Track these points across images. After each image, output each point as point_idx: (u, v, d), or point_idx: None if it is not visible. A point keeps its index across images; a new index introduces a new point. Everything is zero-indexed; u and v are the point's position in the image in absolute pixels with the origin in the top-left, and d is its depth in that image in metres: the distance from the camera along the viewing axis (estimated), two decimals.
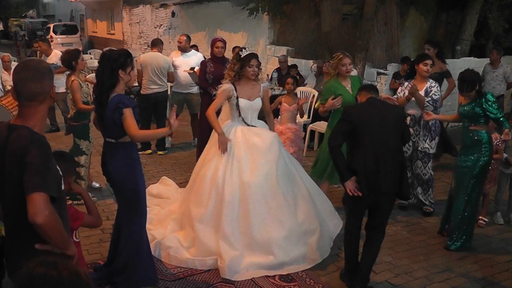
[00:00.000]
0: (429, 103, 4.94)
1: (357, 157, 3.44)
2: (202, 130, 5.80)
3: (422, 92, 4.95)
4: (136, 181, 3.36)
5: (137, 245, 3.45)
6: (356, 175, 3.41)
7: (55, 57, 8.20)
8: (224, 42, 6.08)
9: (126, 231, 3.44)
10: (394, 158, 3.46)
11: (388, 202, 3.54)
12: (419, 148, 5.06)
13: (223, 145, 4.08)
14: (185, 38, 7.48)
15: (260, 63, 4.33)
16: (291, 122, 5.67)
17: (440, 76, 6.23)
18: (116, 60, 3.21)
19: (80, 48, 21.01)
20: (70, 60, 5.17)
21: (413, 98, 4.94)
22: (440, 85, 5.66)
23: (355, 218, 3.63)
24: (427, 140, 5.03)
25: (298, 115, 6.09)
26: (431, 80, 5.06)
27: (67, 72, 5.60)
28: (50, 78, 2.16)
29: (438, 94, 5.00)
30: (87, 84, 5.49)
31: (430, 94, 4.95)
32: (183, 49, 7.38)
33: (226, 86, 4.22)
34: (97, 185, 5.70)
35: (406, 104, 5.04)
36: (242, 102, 4.21)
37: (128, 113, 3.14)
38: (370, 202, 3.52)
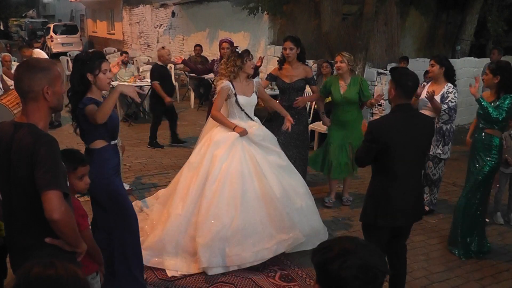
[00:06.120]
0: (445, 112, 4.64)
1: (383, 183, 3.05)
2: None
3: (438, 97, 4.66)
4: (110, 194, 3.17)
5: (123, 256, 3.30)
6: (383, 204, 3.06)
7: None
8: (230, 43, 6.16)
9: (109, 242, 3.28)
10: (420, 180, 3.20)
11: (411, 224, 3.28)
12: (431, 153, 4.83)
13: (244, 132, 4.13)
14: None
15: (253, 56, 4.39)
16: None
17: (305, 83, 5.27)
18: (84, 64, 3.11)
19: (80, 48, 21.06)
20: None
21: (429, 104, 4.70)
22: (301, 95, 5.28)
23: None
24: (440, 145, 4.84)
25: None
26: (449, 85, 4.73)
27: None
28: (42, 77, 2.10)
29: (455, 101, 4.67)
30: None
31: (447, 101, 4.65)
32: None
33: (223, 84, 4.21)
34: (127, 187, 5.55)
35: (416, 103, 4.79)
36: (241, 98, 4.25)
37: (89, 109, 3.04)
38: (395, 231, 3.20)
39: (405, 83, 3.00)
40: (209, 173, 3.98)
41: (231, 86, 4.20)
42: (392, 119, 3.07)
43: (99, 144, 3.17)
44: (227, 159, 4.01)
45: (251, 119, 4.34)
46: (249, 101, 4.30)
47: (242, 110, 4.27)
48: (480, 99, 4.05)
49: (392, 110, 3.12)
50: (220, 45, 6.27)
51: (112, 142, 3.22)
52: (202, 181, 3.99)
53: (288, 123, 4.58)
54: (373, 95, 5.79)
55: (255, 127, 4.26)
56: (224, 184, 3.91)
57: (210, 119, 4.46)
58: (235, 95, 4.22)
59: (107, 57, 11.77)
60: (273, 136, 4.42)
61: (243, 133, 4.12)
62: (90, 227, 2.61)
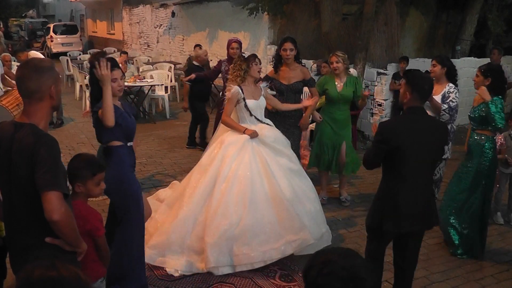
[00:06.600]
0: (445, 112, 4.56)
1: (395, 188, 2.99)
2: None
3: (439, 97, 4.62)
4: (125, 193, 3.22)
5: (129, 253, 3.30)
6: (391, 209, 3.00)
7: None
8: (239, 43, 6.21)
9: (117, 239, 3.29)
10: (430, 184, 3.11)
11: (419, 234, 3.18)
12: None
13: (254, 134, 4.16)
14: None
15: (260, 61, 4.46)
16: None
17: (303, 85, 5.18)
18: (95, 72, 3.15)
19: (80, 48, 21.05)
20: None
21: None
22: (299, 97, 5.24)
23: (378, 251, 3.24)
24: None
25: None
26: (450, 85, 4.70)
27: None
28: (49, 77, 2.14)
29: (456, 101, 4.62)
30: None
31: (447, 101, 4.60)
32: None
33: (234, 90, 4.25)
34: None
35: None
36: (250, 102, 4.29)
37: (100, 112, 3.11)
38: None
39: (422, 87, 2.96)
40: (218, 173, 4.00)
41: (240, 91, 4.24)
42: (403, 121, 3.05)
43: (117, 143, 3.24)
44: (236, 160, 4.03)
45: (262, 121, 4.37)
46: (258, 105, 4.34)
47: (252, 114, 4.30)
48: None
49: (404, 112, 3.09)
50: (229, 45, 6.26)
51: (129, 144, 3.30)
52: (211, 182, 4.01)
53: (307, 101, 4.93)
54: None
55: (266, 129, 4.31)
56: (233, 184, 3.93)
57: (221, 125, 4.48)
58: (244, 99, 4.26)
59: None
60: (285, 139, 4.43)
61: (253, 135, 4.15)
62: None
